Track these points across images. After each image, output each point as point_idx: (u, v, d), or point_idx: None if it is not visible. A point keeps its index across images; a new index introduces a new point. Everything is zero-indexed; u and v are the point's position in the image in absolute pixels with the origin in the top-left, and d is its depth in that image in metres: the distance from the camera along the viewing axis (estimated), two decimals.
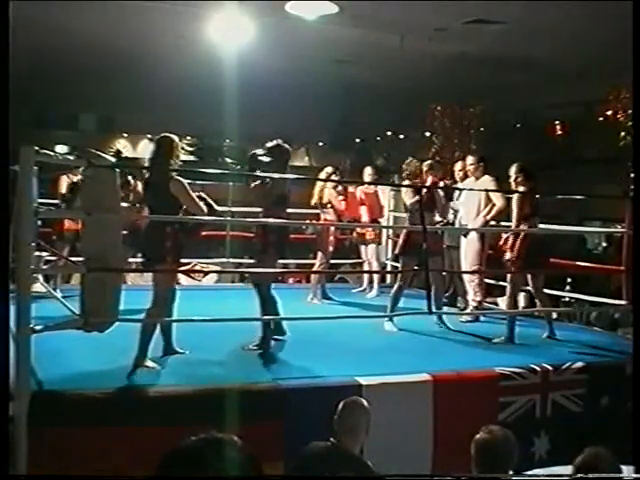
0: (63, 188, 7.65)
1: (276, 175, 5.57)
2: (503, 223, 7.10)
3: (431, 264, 5.86)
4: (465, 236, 7.40)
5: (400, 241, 6.74)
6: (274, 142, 5.83)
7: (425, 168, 6.88)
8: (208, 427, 1.54)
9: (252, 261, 6.00)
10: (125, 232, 5.77)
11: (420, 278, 7.64)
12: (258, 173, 5.68)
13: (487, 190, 7.14)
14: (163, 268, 5.03)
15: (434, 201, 6.70)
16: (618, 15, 5.60)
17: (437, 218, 6.98)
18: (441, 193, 6.80)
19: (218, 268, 9.71)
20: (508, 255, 6.27)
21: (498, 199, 7.11)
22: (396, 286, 6.71)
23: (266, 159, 5.72)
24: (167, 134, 5.22)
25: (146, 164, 5.50)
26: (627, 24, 4.49)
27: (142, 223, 6.52)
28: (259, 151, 5.79)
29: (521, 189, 6.30)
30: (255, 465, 1.48)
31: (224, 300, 6.83)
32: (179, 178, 5.04)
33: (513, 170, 6.38)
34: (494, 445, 3.23)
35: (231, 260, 8.80)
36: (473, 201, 7.38)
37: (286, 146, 5.85)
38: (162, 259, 4.98)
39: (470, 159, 7.69)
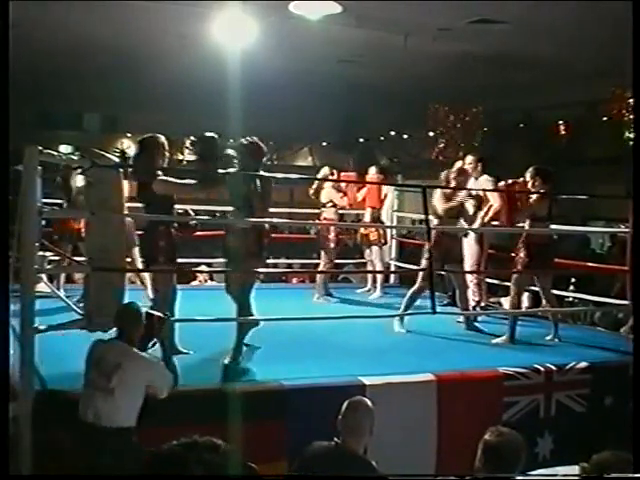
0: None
1: (279, 175, 5.54)
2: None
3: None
4: (465, 236, 7.40)
5: (427, 247, 6.64)
6: (249, 139, 5.50)
7: (453, 175, 6.76)
8: (211, 426, 1.54)
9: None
10: None
11: (442, 283, 7.70)
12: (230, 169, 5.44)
13: (485, 190, 7.13)
14: (159, 268, 5.03)
15: (464, 209, 6.70)
16: (621, 15, 5.59)
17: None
18: (471, 202, 6.79)
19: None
20: (518, 255, 6.26)
21: (495, 199, 7.08)
22: (415, 288, 6.60)
23: (237, 154, 5.40)
24: (152, 134, 5.21)
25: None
26: (630, 24, 4.50)
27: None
28: (230, 150, 5.49)
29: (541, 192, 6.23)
30: (246, 469, 1.49)
31: (225, 300, 6.81)
32: (165, 177, 5.02)
33: (529, 174, 6.27)
34: (504, 448, 3.22)
35: None
36: (471, 201, 7.36)
37: (261, 144, 5.51)
38: (155, 259, 4.98)
39: (468, 159, 7.67)
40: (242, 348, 5.28)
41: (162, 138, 5.18)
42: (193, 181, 5.16)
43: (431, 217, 7.12)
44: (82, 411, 3.87)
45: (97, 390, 3.86)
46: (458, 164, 7.74)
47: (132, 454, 3.67)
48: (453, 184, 6.72)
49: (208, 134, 5.14)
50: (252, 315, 5.39)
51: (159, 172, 5.05)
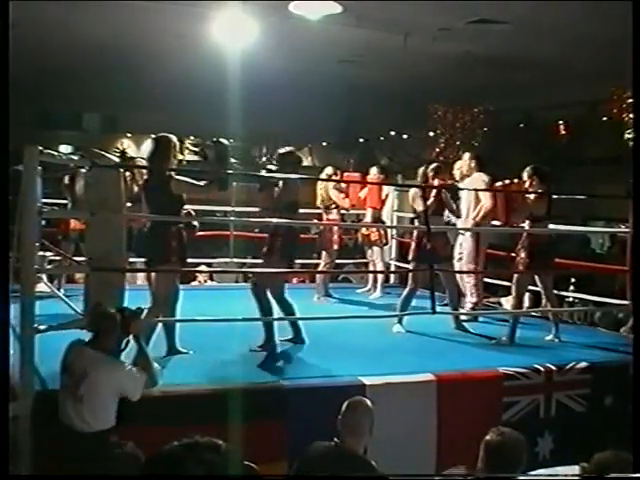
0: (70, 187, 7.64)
1: (278, 175, 5.58)
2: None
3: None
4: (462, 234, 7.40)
5: (412, 246, 6.70)
6: (286, 149, 5.91)
7: (431, 173, 6.78)
8: (211, 427, 1.54)
9: (257, 261, 6.03)
10: None
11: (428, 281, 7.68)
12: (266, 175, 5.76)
13: (477, 190, 7.13)
14: (168, 268, 5.04)
15: (443, 204, 6.70)
16: (622, 15, 5.60)
17: (446, 220, 6.98)
18: (448, 195, 6.80)
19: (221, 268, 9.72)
20: (519, 256, 6.25)
21: (486, 198, 7.08)
22: (407, 289, 6.65)
23: (277, 166, 5.77)
24: (165, 134, 5.24)
25: (144, 164, 5.51)
26: (630, 24, 4.50)
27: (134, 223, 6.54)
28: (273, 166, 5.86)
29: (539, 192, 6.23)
30: (247, 469, 1.49)
31: (227, 300, 6.83)
32: (180, 177, 5.06)
33: (526, 173, 6.26)
34: (506, 448, 3.22)
35: (235, 260, 8.81)
36: (466, 200, 7.37)
37: (298, 154, 5.99)
38: (167, 259, 5.00)
39: (465, 156, 7.67)
40: (275, 341, 5.49)
41: (175, 138, 5.22)
42: (204, 182, 5.21)
43: (411, 215, 7.21)
44: (60, 413, 3.85)
45: (69, 394, 3.82)
46: (458, 164, 7.75)
47: (111, 454, 3.68)
48: (432, 182, 6.75)
49: (221, 140, 5.23)
50: (272, 314, 5.52)
51: (172, 172, 5.10)
